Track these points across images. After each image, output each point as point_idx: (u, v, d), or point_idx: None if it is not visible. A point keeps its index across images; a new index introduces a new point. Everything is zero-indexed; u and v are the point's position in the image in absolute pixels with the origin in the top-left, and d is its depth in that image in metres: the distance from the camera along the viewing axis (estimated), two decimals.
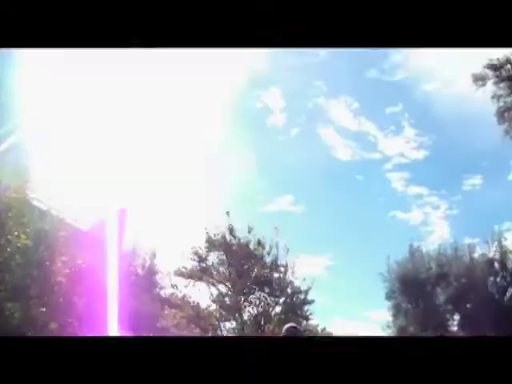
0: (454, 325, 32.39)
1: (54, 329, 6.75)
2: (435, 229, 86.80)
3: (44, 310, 6.84)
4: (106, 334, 12.24)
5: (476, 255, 33.04)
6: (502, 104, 24.40)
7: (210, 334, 23.84)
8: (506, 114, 24.17)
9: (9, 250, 6.51)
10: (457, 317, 32.83)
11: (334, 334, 48.05)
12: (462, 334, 22.92)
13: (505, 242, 32.47)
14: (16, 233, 6.57)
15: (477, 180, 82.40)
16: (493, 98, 24.45)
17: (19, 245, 6.50)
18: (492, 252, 32.46)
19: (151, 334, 21.13)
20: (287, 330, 7.63)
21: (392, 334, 34.09)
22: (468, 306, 31.45)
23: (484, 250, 33.07)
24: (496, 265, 31.80)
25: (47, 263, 6.82)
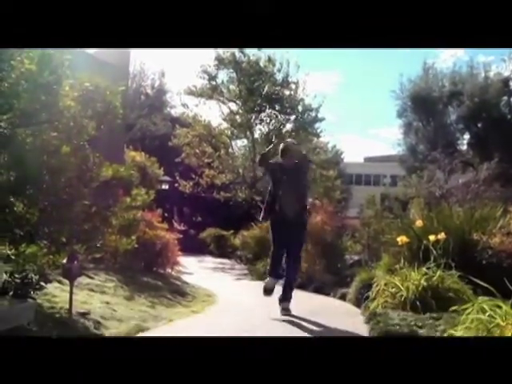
0: (464, 144, 32.66)
1: (66, 152, 6.76)
2: None
3: (55, 134, 6.80)
4: (117, 155, 12.46)
5: (491, 74, 32.16)
6: None
7: (222, 152, 24.25)
8: None
9: (13, 75, 6.31)
10: (467, 136, 32.94)
11: (344, 152, 48.90)
12: (471, 153, 23.11)
13: None
14: (19, 58, 6.32)
15: None
16: None
17: (23, 70, 6.28)
18: (508, 71, 31.56)
19: (162, 153, 21.41)
20: (282, 147, 7.95)
21: (402, 152, 34.64)
22: (479, 125, 31.36)
23: (500, 68, 32.16)
24: (511, 84, 31.10)
25: (54, 87, 6.64)
